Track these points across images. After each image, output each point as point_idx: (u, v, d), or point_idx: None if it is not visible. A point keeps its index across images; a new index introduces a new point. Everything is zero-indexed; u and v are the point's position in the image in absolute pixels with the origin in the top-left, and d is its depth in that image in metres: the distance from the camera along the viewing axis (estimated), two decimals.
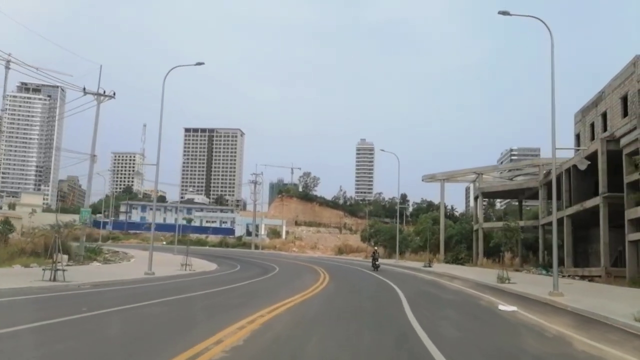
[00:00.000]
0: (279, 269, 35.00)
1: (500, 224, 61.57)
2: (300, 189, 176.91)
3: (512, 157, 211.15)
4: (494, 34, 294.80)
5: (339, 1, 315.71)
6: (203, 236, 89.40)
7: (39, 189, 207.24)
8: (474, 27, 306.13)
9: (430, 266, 39.41)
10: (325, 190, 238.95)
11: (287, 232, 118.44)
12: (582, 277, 36.02)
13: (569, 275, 36.03)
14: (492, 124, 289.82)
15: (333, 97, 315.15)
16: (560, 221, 32.42)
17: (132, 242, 71.73)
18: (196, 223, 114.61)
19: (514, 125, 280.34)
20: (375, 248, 46.01)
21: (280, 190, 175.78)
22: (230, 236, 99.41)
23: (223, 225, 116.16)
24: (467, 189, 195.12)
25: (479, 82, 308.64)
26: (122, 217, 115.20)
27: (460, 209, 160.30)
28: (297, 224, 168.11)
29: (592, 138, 39.22)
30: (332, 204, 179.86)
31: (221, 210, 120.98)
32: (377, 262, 36.46)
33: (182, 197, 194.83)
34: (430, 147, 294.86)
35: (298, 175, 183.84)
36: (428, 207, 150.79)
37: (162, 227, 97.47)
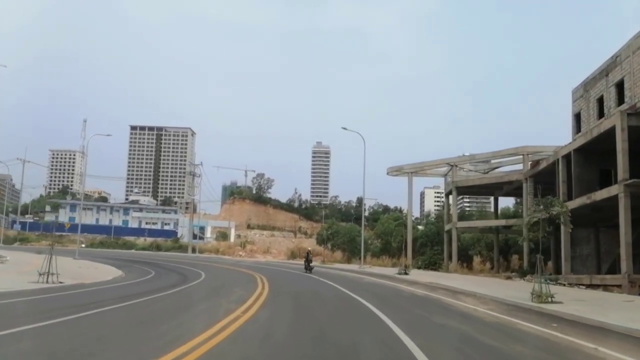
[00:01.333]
0: (205, 277, 25.62)
1: (479, 223, 54.66)
2: (254, 191, 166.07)
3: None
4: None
5: (296, 5, 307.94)
6: (141, 239, 77.66)
7: None
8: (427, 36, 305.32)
9: (407, 273, 30.62)
10: (279, 192, 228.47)
11: (238, 236, 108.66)
12: (590, 286, 28.16)
13: (569, 284, 28.36)
14: (454, 128, 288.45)
15: (287, 100, 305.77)
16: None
17: (42, 243, 59.64)
18: (135, 224, 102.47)
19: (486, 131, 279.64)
20: (309, 249, 42.10)
21: (232, 192, 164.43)
22: (168, 239, 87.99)
23: (165, 227, 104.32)
24: (422, 194, 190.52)
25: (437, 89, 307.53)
26: (48, 218, 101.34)
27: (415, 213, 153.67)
28: (249, 227, 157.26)
29: (600, 115, 31.79)
30: (287, 207, 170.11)
31: (163, 211, 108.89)
32: (310, 264, 34.77)
33: (126, 198, 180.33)
34: (388, 152, 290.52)
35: (252, 177, 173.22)
36: (384, 212, 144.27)
37: (91, 229, 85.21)
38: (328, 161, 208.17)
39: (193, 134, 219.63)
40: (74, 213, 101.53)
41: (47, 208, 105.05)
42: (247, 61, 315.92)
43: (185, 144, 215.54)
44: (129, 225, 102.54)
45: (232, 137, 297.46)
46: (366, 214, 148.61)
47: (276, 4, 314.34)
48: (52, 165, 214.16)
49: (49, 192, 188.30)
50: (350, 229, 59.67)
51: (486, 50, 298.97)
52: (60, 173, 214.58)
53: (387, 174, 50.03)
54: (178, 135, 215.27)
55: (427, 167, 47.01)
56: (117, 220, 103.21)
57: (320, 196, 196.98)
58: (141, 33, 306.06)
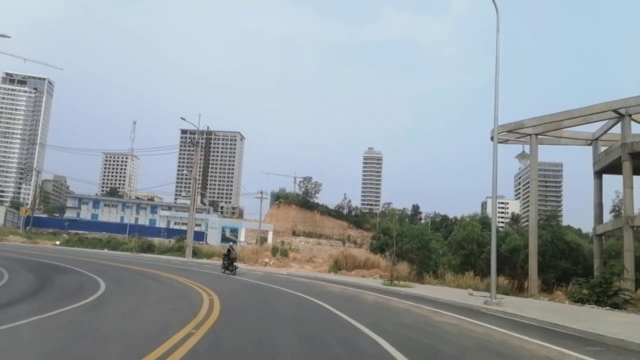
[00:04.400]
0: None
1: None
2: (301, 196, 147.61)
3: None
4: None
5: (342, 19, 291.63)
6: (155, 239, 60.03)
7: (19, 187, 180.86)
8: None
9: None
10: (328, 198, 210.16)
11: (282, 242, 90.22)
12: None
13: None
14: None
15: (337, 109, 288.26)
16: None
17: (13, 239, 43.21)
18: (163, 224, 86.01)
19: None
20: (231, 244, 33.81)
21: (278, 196, 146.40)
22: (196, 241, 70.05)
23: (196, 228, 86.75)
24: (484, 204, 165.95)
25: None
26: (69, 214, 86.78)
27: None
28: (294, 233, 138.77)
29: None
30: (336, 214, 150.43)
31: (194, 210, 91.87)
32: (234, 264, 25.60)
33: (175, 202, 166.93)
34: (438, 162, 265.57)
35: (299, 181, 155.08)
36: (442, 222, 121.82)
37: (106, 227, 69.08)
38: (380, 167, 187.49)
39: (242, 138, 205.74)
40: (97, 210, 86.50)
41: (69, 204, 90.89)
42: (296, 72, 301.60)
43: (234, 149, 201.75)
44: (156, 225, 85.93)
45: (281, 145, 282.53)
46: (422, 222, 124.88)
47: (327, 17, 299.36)
48: (105, 168, 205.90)
49: (100, 194, 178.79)
50: (421, 230, 38.87)
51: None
52: (112, 175, 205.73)
53: (492, 138, 28.78)
54: (227, 139, 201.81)
55: (569, 120, 26.00)
56: (144, 219, 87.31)
57: (371, 204, 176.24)
58: (190, 45, 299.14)
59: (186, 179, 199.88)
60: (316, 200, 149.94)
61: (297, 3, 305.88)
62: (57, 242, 42.18)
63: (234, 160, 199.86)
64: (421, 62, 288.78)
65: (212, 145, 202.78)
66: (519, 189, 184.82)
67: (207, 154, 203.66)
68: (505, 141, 28.99)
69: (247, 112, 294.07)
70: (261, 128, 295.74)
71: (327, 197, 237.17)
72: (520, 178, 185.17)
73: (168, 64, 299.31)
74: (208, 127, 35.94)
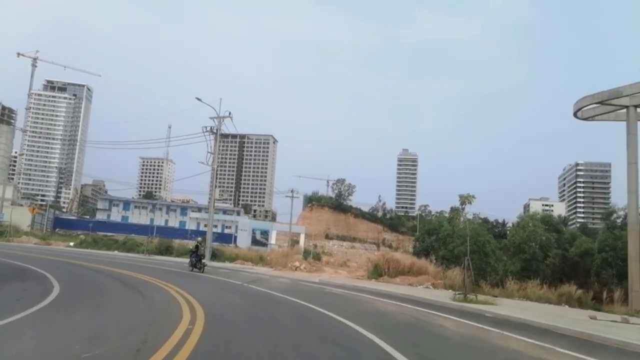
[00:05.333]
0: None
1: None
2: (334, 198, 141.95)
3: (578, 173, 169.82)
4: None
5: (377, 21, 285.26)
6: (178, 241, 55.85)
7: (60, 191, 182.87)
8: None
9: None
10: (361, 201, 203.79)
11: (314, 246, 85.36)
12: None
13: None
14: (544, 143, 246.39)
15: (370, 111, 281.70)
16: None
17: (25, 240, 39.69)
18: (193, 226, 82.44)
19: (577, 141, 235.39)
20: (199, 239, 29.32)
21: (310, 199, 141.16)
22: (226, 244, 65.80)
23: (226, 231, 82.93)
24: (526, 206, 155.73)
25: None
26: (99, 216, 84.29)
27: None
28: (327, 237, 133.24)
29: None
30: (370, 217, 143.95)
31: (224, 212, 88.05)
32: (202, 261, 23.63)
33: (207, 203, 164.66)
34: (472, 165, 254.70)
35: (332, 183, 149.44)
36: (483, 225, 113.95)
37: (132, 228, 65.73)
38: (415, 169, 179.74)
39: (275, 141, 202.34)
40: (128, 212, 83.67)
41: (99, 206, 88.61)
42: (328, 76, 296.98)
43: (267, 152, 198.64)
44: (186, 227, 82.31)
45: (314, 148, 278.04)
46: (460, 227, 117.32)
47: (358, 21, 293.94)
48: (142, 172, 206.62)
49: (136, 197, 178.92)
50: (477, 231, 32.86)
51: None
52: (149, 180, 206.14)
53: (575, 113, 23.18)
54: (260, 142, 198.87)
55: None
56: (174, 221, 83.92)
57: (407, 207, 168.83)
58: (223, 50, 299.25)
59: (218, 178, 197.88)
60: (350, 203, 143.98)
61: (329, 7, 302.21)
62: (71, 244, 38.42)
63: (266, 164, 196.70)
64: (457, 62, 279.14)
65: (245, 149, 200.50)
66: (564, 190, 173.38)
67: (240, 158, 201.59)
68: (592, 117, 22.61)
69: (279, 117, 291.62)
70: (294, 132, 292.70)
71: (361, 200, 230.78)
72: (564, 179, 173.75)
73: (199, 69, 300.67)
74: (230, 113, 31.02)
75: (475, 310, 13.10)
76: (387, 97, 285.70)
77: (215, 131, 31.96)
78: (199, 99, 29.88)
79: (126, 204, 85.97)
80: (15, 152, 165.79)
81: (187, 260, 31.40)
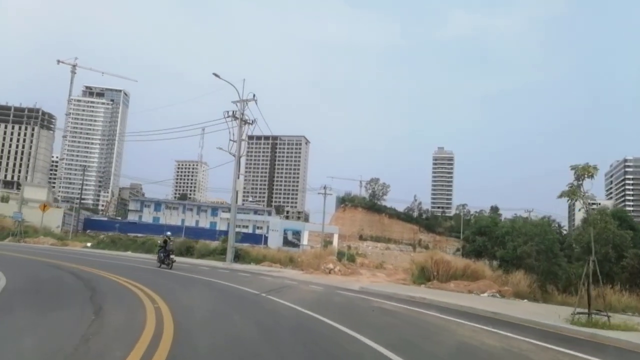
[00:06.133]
0: None
1: None
2: (367, 198, 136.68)
3: (627, 169, 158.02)
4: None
5: (408, 20, 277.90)
6: (208, 241, 52.38)
7: (98, 194, 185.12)
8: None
9: None
10: (396, 201, 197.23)
11: (348, 247, 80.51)
12: None
13: None
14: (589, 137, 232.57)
15: (404, 111, 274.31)
16: None
17: (43, 241, 36.87)
18: (224, 227, 79.34)
19: (621, 135, 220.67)
20: (168, 233, 24.76)
21: (343, 199, 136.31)
22: (255, 244, 62.01)
23: (257, 231, 79.40)
24: (571, 207, 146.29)
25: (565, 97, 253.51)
26: (131, 217, 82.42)
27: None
28: (361, 238, 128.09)
29: None
30: (405, 217, 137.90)
31: (255, 212, 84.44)
32: (171, 257, 21.78)
33: (242, 204, 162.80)
34: (515, 163, 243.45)
35: (365, 183, 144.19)
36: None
37: (160, 229, 62.84)
38: (451, 168, 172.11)
39: (307, 142, 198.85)
40: (159, 212, 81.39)
41: (131, 207, 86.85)
42: (360, 76, 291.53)
43: (299, 153, 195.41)
44: (217, 228, 79.23)
45: (346, 149, 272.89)
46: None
47: (390, 21, 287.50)
48: (177, 175, 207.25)
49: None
50: (543, 228, 27.20)
51: None
52: (184, 182, 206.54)
53: None
54: (292, 144, 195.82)
55: None
56: (205, 222, 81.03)
57: (443, 206, 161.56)
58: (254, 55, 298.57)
59: (251, 180, 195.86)
60: (384, 203, 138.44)
61: (360, 8, 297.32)
62: (89, 244, 35.37)
63: (299, 165, 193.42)
64: (492, 59, 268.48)
65: (277, 150, 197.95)
66: (611, 187, 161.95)
67: (272, 159, 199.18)
68: None
69: (310, 118, 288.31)
70: (325, 133, 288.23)
71: (396, 200, 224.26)
72: (612, 176, 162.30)
73: (229, 72, 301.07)
74: (254, 96, 26.68)
75: (628, 345, 8.03)
76: (421, 95, 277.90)
77: (238, 116, 27.73)
78: (216, 75, 25.80)
79: (157, 205, 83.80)
80: (56, 157, 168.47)
81: (208, 262, 27.43)
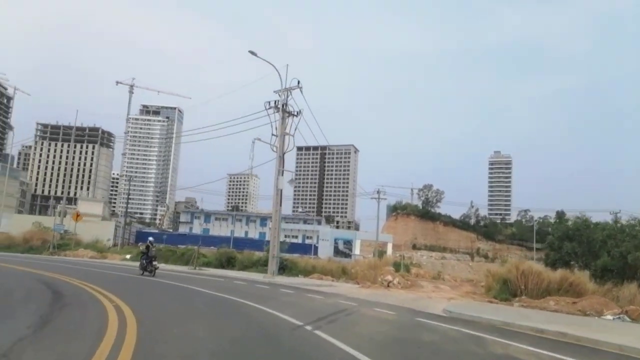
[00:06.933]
0: None
1: None
2: (420, 206, 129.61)
3: None
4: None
5: (457, 25, 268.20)
6: (256, 252, 49.08)
7: (156, 208, 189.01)
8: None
9: None
10: (450, 208, 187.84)
11: (401, 257, 74.99)
12: None
13: None
14: None
15: (455, 116, 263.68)
16: None
17: (82, 254, 34.68)
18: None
19: None
20: (151, 239, 24.61)
21: (395, 208, 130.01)
22: (305, 254, 58.16)
23: (307, 241, 75.51)
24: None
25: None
26: (182, 229, 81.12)
27: None
28: (415, 247, 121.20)
29: None
30: (461, 224, 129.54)
31: (305, 222, 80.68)
32: (153, 263, 20.86)
33: (292, 213, 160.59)
34: (569, 167, 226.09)
35: (418, 189, 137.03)
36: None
37: (211, 240, 60.78)
38: (509, 172, 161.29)
39: (356, 151, 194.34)
40: (208, 224, 79.48)
41: (182, 219, 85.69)
42: (407, 83, 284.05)
43: (348, 162, 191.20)
44: (266, 238, 76.00)
45: (397, 157, 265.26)
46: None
47: (438, 26, 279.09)
48: (229, 188, 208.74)
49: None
50: None
51: None
52: (235, 195, 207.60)
53: None
54: (341, 153, 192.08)
55: None
56: (254, 232, 78.25)
57: (501, 213, 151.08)
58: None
59: (300, 190, 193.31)
60: (438, 210, 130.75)
61: (405, 16, 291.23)
62: (127, 256, 32.79)
63: (348, 174, 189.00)
64: (546, 60, 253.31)
65: (326, 160, 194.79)
66: None
67: (321, 169, 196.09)
68: None
69: (358, 128, 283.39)
70: (374, 142, 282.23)
71: (450, 207, 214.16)
72: None
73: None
74: (299, 83, 22.64)
75: None
76: (473, 100, 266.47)
77: (280, 106, 23.81)
78: (252, 53, 22.06)
79: (207, 216, 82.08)
80: (116, 173, 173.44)
81: (247, 275, 23.51)
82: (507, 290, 20.67)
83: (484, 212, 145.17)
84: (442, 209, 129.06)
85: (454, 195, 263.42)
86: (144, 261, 21.11)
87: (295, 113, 24.89)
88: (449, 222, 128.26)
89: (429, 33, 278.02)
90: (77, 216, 40.14)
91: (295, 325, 8.24)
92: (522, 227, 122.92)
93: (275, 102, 24.46)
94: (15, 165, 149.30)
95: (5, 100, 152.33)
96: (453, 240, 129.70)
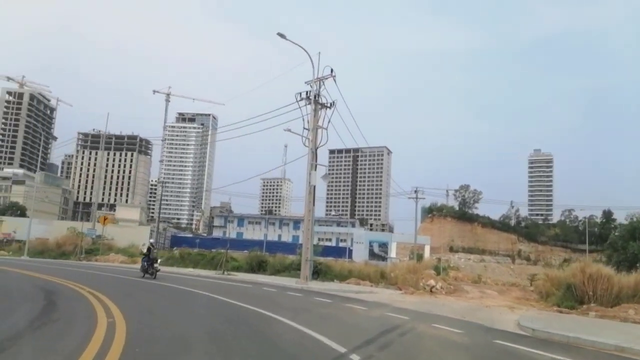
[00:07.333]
0: None
1: None
2: (457, 207, 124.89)
3: None
4: None
5: (491, 22, 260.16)
6: (288, 256, 47.19)
7: (192, 214, 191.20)
8: None
9: None
10: (488, 208, 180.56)
11: (438, 259, 71.83)
12: None
13: None
14: None
15: (491, 115, 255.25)
16: None
17: (113, 258, 33.65)
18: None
19: None
20: (151, 241, 24.24)
21: (430, 209, 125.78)
22: (339, 258, 55.85)
23: (341, 244, 73.27)
24: None
25: None
26: (216, 233, 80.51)
27: None
28: (452, 249, 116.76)
29: None
30: (501, 226, 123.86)
31: (338, 224, 78.37)
32: (154, 265, 20.13)
33: (325, 215, 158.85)
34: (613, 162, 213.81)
35: (454, 190, 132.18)
36: None
37: (243, 244, 59.46)
38: (550, 171, 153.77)
39: (389, 152, 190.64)
40: (242, 228, 78.51)
41: (215, 223, 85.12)
42: (445, 82, 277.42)
43: (381, 164, 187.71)
44: (299, 242, 74.21)
45: (429, 158, 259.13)
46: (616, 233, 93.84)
47: (471, 24, 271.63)
48: (263, 192, 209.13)
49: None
50: None
51: None
52: (269, 199, 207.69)
53: None
54: (374, 155, 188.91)
55: None
56: (287, 236, 76.69)
57: (543, 213, 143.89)
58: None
59: (333, 193, 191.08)
60: (475, 211, 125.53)
61: (440, 15, 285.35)
62: (159, 261, 31.40)
63: (381, 176, 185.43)
64: (584, 54, 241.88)
65: (359, 162, 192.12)
66: None
67: (354, 172, 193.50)
68: None
69: (391, 129, 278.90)
70: (407, 143, 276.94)
71: (488, 207, 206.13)
72: None
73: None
74: (332, 71, 20.53)
75: None
76: (510, 98, 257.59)
77: (312, 97, 21.78)
78: (281, 35, 20.12)
79: (240, 220, 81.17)
80: (153, 180, 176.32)
81: (277, 281, 21.56)
82: (571, 296, 17.89)
83: (523, 212, 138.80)
84: (480, 209, 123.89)
85: (491, 196, 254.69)
86: (145, 263, 20.37)
87: (329, 105, 22.79)
88: (487, 223, 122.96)
89: (462, 29, 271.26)
90: (105, 219, 39.43)
91: (337, 354, 6.05)
92: (566, 227, 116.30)
93: (307, 92, 22.41)
94: (59, 174, 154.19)
95: (49, 112, 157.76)
96: (492, 242, 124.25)
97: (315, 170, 21.03)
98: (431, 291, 24.94)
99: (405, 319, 10.00)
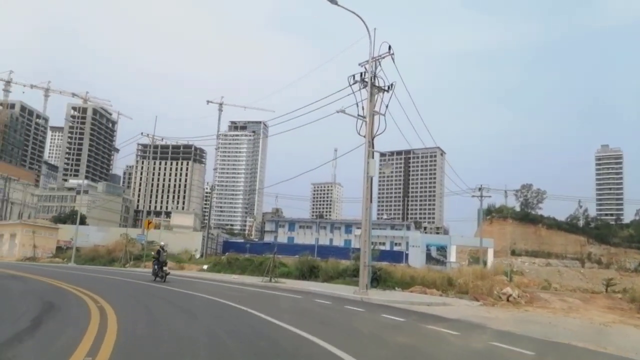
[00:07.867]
0: None
1: None
2: (518, 208, 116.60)
3: None
4: None
5: (545, 15, 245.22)
6: (342, 261, 44.15)
7: (245, 219, 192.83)
8: None
9: None
10: (553, 209, 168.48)
11: (510, 265, 66.02)
12: None
13: None
14: None
15: (550, 111, 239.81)
16: None
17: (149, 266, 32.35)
18: (358, 244, 70.79)
19: None
20: (162, 244, 22.55)
21: (489, 211, 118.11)
22: (395, 263, 52.08)
23: (396, 248, 69.41)
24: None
25: None
26: (267, 238, 78.97)
27: None
28: (514, 253, 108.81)
29: None
30: (568, 227, 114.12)
31: (392, 227, 74.30)
32: (164, 269, 19.71)
33: (378, 218, 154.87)
34: None
35: (515, 190, 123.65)
36: None
37: (294, 249, 57.11)
38: (620, 168, 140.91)
39: (442, 153, 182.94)
40: (293, 232, 76.40)
41: (267, 228, 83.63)
42: (501, 80, 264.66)
43: (434, 165, 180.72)
44: (351, 245, 71.13)
45: (486, 158, 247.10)
46: None
47: (525, 19, 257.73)
48: (314, 197, 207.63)
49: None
50: None
51: None
52: (320, 204, 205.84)
53: None
54: (426, 157, 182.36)
55: None
56: (338, 240, 73.67)
57: (612, 213, 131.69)
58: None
59: (385, 196, 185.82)
60: (539, 212, 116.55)
61: (496, 15, 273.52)
62: (205, 267, 29.50)
63: (434, 178, 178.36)
64: None
65: (411, 164, 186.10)
66: None
67: (406, 174, 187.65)
68: None
69: (442, 131, 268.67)
70: (463, 143, 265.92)
71: (553, 208, 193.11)
72: None
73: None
74: (390, 48, 17.64)
75: None
76: (573, 94, 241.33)
77: (368, 79, 18.78)
78: (332, 1, 17.25)
79: (291, 224, 79.22)
80: (207, 187, 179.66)
81: (330, 290, 18.58)
82: None
83: (591, 212, 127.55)
84: (544, 210, 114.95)
85: (556, 195, 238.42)
86: (156, 266, 19.78)
87: (386, 88, 19.63)
88: (553, 224, 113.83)
89: (520, 26, 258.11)
90: (149, 224, 38.33)
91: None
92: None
93: (361, 74, 19.36)
94: (121, 184, 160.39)
95: (110, 125, 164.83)
96: (558, 244, 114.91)
97: (373, 157, 17.93)
98: (508, 300, 21.07)
99: (526, 354, 6.58)
